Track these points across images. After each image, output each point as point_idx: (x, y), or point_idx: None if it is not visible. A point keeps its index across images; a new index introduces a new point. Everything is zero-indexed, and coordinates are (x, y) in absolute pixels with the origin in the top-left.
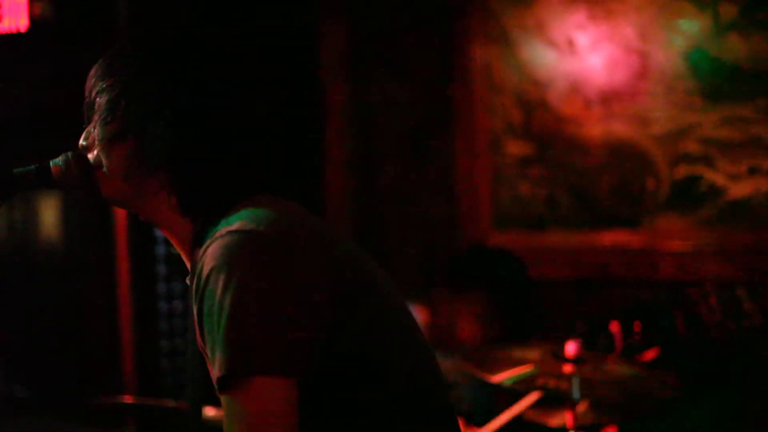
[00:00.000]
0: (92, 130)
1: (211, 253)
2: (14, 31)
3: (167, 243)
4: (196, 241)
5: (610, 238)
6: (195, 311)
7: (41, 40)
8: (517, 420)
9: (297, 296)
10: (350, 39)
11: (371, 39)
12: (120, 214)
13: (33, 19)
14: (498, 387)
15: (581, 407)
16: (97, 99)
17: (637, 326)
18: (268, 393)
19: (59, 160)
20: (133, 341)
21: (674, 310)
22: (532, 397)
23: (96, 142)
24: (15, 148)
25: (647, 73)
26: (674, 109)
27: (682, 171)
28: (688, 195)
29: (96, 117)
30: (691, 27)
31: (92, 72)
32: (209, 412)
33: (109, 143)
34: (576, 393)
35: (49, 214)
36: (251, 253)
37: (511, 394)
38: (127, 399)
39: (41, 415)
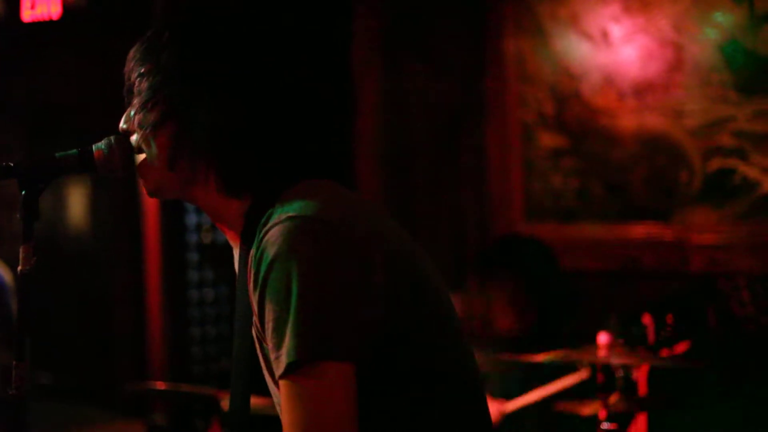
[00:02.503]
0: (132, 114)
1: (272, 239)
2: (47, 18)
3: (198, 231)
4: (248, 224)
5: (642, 230)
6: (255, 297)
7: (74, 28)
8: (550, 407)
9: (358, 281)
10: (383, 31)
11: (404, 31)
12: (150, 203)
13: (66, 7)
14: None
15: (613, 397)
16: (137, 84)
17: (669, 319)
18: (334, 378)
19: (102, 144)
20: (162, 329)
21: (705, 303)
22: (571, 379)
23: (137, 128)
24: (50, 133)
25: (681, 65)
26: (708, 102)
27: (715, 164)
28: (720, 188)
29: (136, 102)
30: (726, 20)
31: (130, 55)
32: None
33: (151, 129)
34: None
35: (77, 202)
36: (314, 239)
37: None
38: (159, 385)
39: (69, 402)
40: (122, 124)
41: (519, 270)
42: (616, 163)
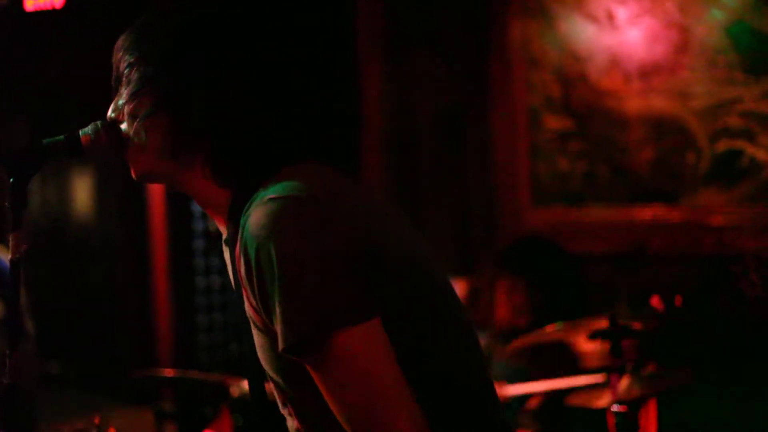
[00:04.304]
0: (121, 103)
1: (255, 222)
2: (49, 7)
3: (204, 218)
4: (234, 209)
5: (650, 213)
6: (250, 283)
7: (76, 17)
8: (560, 400)
9: (344, 253)
10: (387, 15)
11: (408, 15)
12: (155, 190)
13: None
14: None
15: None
16: (126, 72)
17: (678, 300)
18: (353, 343)
19: (89, 129)
20: (169, 316)
21: (714, 285)
22: (580, 380)
23: (127, 118)
24: (54, 124)
25: (687, 46)
26: (715, 83)
27: (723, 145)
28: (728, 169)
29: (127, 91)
30: (732, 0)
31: (119, 44)
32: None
33: (144, 119)
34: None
35: (82, 190)
36: (295, 217)
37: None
38: (167, 373)
39: (76, 390)
40: (110, 113)
41: (532, 276)
42: (623, 145)
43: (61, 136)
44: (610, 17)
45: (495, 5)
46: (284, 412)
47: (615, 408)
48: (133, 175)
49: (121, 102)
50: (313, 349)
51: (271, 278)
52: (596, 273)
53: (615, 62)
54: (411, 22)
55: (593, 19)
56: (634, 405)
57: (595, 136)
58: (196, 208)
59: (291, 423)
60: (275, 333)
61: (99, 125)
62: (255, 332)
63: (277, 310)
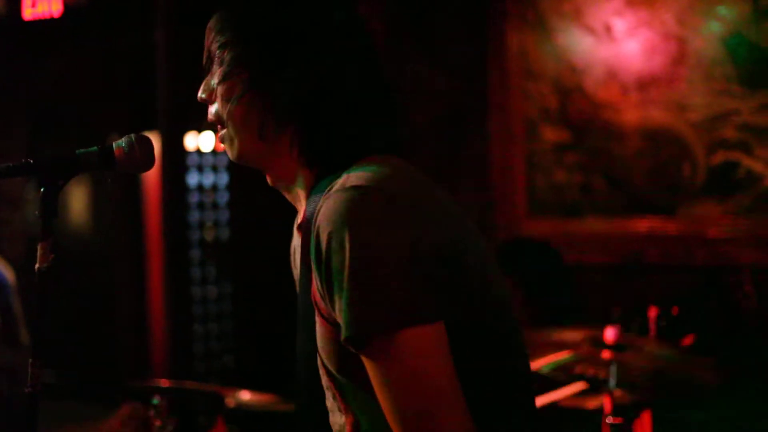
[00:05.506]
0: (214, 83)
1: (332, 207)
2: (48, 17)
3: (201, 227)
4: (316, 189)
5: (646, 224)
6: (318, 267)
7: (75, 26)
8: (553, 405)
9: (419, 252)
10: (385, 24)
11: (406, 24)
12: (152, 201)
13: (67, 5)
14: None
15: (618, 393)
16: (219, 53)
17: (674, 311)
18: (416, 343)
19: (122, 141)
20: (165, 326)
21: (710, 296)
22: (575, 387)
23: (221, 99)
24: (51, 131)
25: (685, 59)
26: (711, 96)
27: (719, 158)
28: (724, 182)
29: (220, 72)
30: (729, 13)
31: (211, 25)
32: (244, 396)
33: (237, 99)
34: (613, 380)
35: (79, 199)
36: (373, 209)
37: (549, 380)
38: (162, 383)
39: (70, 399)
40: (201, 94)
41: (519, 277)
42: (620, 157)
43: (94, 147)
44: (608, 29)
45: (493, 16)
46: (331, 405)
47: (610, 420)
48: (230, 157)
49: (213, 82)
50: (375, 344)
51: (340, 266)
52: (592, 284)
53: (612, 74)
54: (409, 32)
55: (591, 30)
56: (628, 417)
57: (592, 147)
58: (193, 218)
59: (336, 418)
60: (337, 322)
61: (133, 138)
62: (318, 320)
63: (343, 298)
